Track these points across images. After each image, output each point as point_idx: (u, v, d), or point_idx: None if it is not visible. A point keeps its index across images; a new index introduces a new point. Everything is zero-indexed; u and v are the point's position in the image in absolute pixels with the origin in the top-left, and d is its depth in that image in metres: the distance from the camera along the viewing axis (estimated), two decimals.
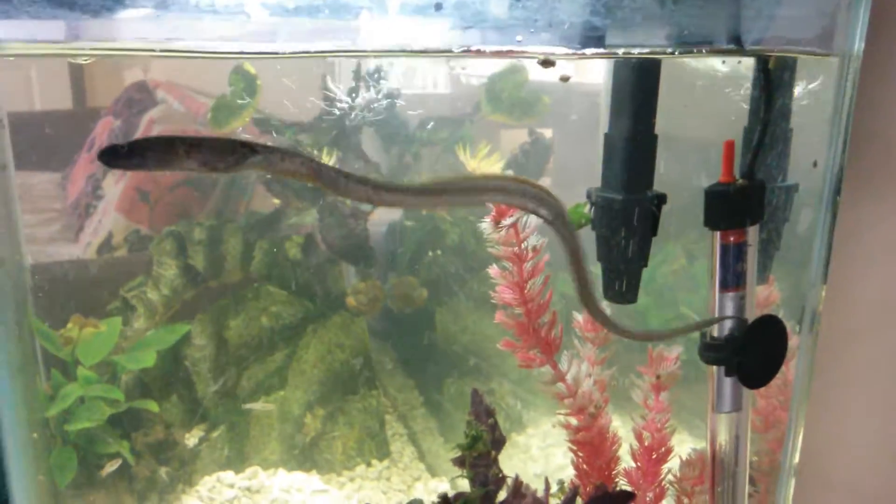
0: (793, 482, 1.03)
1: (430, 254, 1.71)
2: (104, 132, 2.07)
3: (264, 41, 0.57)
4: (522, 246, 0.84)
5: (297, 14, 0.53)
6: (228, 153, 0.49)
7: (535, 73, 1.76)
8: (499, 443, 0.88)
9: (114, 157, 0.47)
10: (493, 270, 0.86)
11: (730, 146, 0.79)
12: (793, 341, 0.97)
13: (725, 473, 0.86)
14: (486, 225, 0.85)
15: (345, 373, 1.67)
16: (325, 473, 1.55)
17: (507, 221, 0.83)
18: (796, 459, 1.01)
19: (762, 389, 1.04)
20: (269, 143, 0.52)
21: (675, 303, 1.70)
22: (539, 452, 1.56)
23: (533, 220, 0.85)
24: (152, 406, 1.47)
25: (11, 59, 0.60)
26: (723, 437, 0.85)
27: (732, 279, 0.79)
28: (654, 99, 0.80)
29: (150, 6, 0.52)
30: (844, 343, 0.97)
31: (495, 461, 0.88)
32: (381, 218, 1.67)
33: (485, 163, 1.56)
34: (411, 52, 0.61)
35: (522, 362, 0.88)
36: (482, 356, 1.73)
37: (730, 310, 0.80)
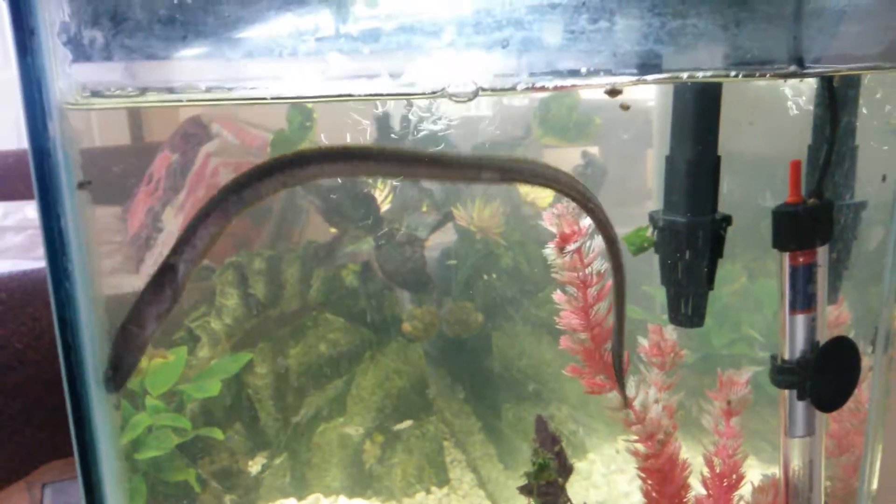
0: None
1: (485, 277, 1.72)
2: (162, 166, 2.16)
3: (336, 85, 0.59)
4: (587, 271, 0.84)
5: (371, 58, 0.55)
6: (164, 289, 0.53)
7: (586, 93, 1.76)
8: (566, 470, 0.88)
9: (111, 383, 0.53)
10: (557, 296, 0.86)
11: (796, 166, 0.78)
12: (865, 362, 0.94)
13: (800, 500, 0.84)
14: (549, 250, 0.85)
15: (402, 399, 1.68)
16: (385, 500, 1.56)
17: (571, 247, 0.83)
18: (874, 485, 0.97)
19: (835, 413, 1.01)
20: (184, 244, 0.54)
21: (739, 323, 1.67)
22: (601, 479, 1.54)
23: (597, 245, 0.85)
24: (217, 434, 1.50)
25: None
26: (796, 463, 0.83)
27: (802, 301, 0.78)
28: (715, 121, 0.80)
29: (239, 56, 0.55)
30: None
31: (563, 489, 0.87)
32: (436, 243, 1.69)
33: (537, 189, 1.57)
34: (479, 90, 0.62)
35: (589, 388, 0.87)
36: (540, 381, 1.73)
37: (801, 332, 0.78)
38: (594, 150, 1.86)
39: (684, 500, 0.88)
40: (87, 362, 0.62)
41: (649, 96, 1.70)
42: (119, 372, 0.52)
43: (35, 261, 2.17)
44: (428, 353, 1.77)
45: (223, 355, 1.68)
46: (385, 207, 1.62)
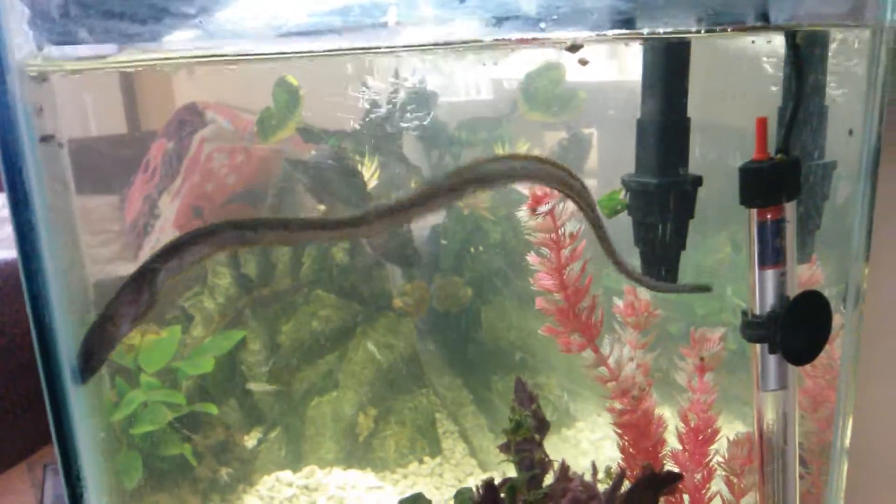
0: (845, 464, 1.01)
1: (473, 250, 1.74)
2: (158, 154, 2.17)
3: (303, 41, 0.60)
4: (560, 232, 0.86)
5: (330, 15, 0.56)
6: (142, 291, 0.54)
7: (572, 70, 1.77)
8: (542, 426, 0.90)
9: (82, 375, 0.54)
10: (531, 258, 0.88)
11: (762, 123, 0.80)
12: (837, 320, 0.96)
13: (774, 452, 0.86)
14: (522, 213, 0.87)
15: (394, 373, 1.70)
16: (379, 471, 1.59)
17: (543, 209, 0.85)
18: (847, 441, 0.99)
19: (808, 369, 1.03)
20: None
21: (723, 293, 1.68)
22: (589, 446, 1.56)
23: (570, 207, 0.87)
24: (212, 409, 1.53)
25: (70, 77, 0.65)
26: (770, 416, 0.84)
27: (771, 256, 0.79)
28: (683, 80, 0.81)
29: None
30: (891, 319, 0.95)
31: (540, 445, 0.89)
32: (427, 222, 1.70)
33: None
34: (439, 45, 0.63)
35: (564, 347, 0.89)
36: (529, 352, 1.75)
37: (770, 287, 0.80)
38: (586, 128, 1.87)
39: (660, 454, 0.90)
40: (61, 344, 0.63)
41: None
42: (88, 363, 0.53)
43: None
44: (419, 328, 1.79)
45: (217, 333, 1.71)
46: (372, 184, 1.63)
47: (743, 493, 0.89)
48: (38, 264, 0.57)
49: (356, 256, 1.68)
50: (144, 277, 0.54)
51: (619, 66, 1.26)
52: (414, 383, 1.71)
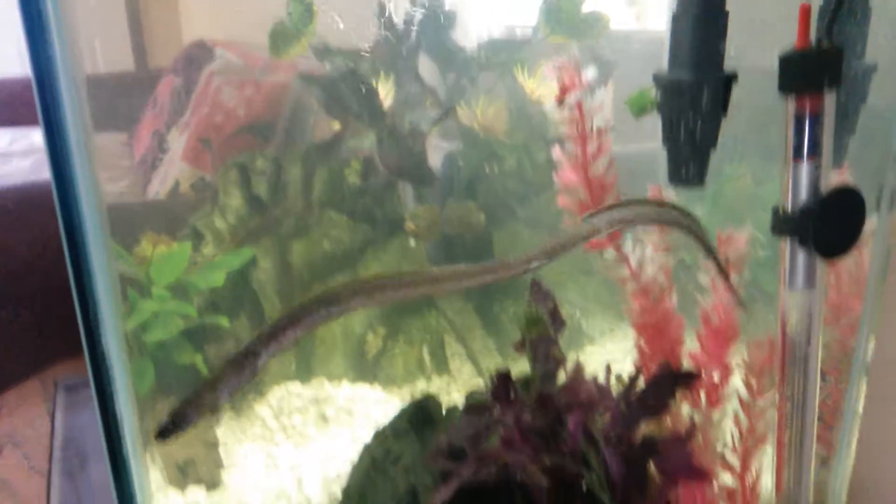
0: (864, 380, 1.00)
1: (487, 170, 1.71)
2: (166, 90, 2.14)
3: None
4: (586, 125, 0.83)
5: None
6: (242, 368, 0.56)
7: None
8: (558, 324, 0.89)
9: (166, 433, 0.55)
10: (555, 152, 0.86)
11: (805, 10, 0.76)
12: (869, 226, 0.94)
13: (797, 354, 0.85)
14: (550, 104, 0.84)
15: None
16: (386, 387, 1.59)
17: (571, 99, 0.82)
18: (870, 353, 0.98)
19: (834, 281, 1.01)
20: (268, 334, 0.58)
21: (742, 222, 1.66)
22: (600, 368, 1.56)
23: (599, 100, 0.84)
24: (223, 321, 1.53)
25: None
26: (795, 316, 0.83)
27: (809, 147, 0.76)
28: None
29: None
30: None
31: (556, 342, 0.88)
32: (440, 138, 1.67)
33: (542, 84, 1.54)
34: None
35: (588, 245, 0.87)
36: (540, 276, 1.74)
37: (804, 179, 0.78)
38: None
39: (678, 355, 0.89)
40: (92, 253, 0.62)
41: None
42: (176, 426, 0.55)
43: None
44: (430, 253, 1.78)
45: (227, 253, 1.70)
46: (387, 102, 1.60)
47: (761, 394, 0.88)
48: (72, 190, 0.57)
49: (369, 176, 1.66)
50: (247, 358, 0.57)
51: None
52: (423, 305, 1.70)
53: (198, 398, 0.55)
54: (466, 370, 1.64)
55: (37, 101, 0.56)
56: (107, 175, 2.06)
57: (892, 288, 0.98)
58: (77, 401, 1.96)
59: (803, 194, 0.79)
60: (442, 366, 1.63)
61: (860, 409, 1.00)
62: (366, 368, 1.63)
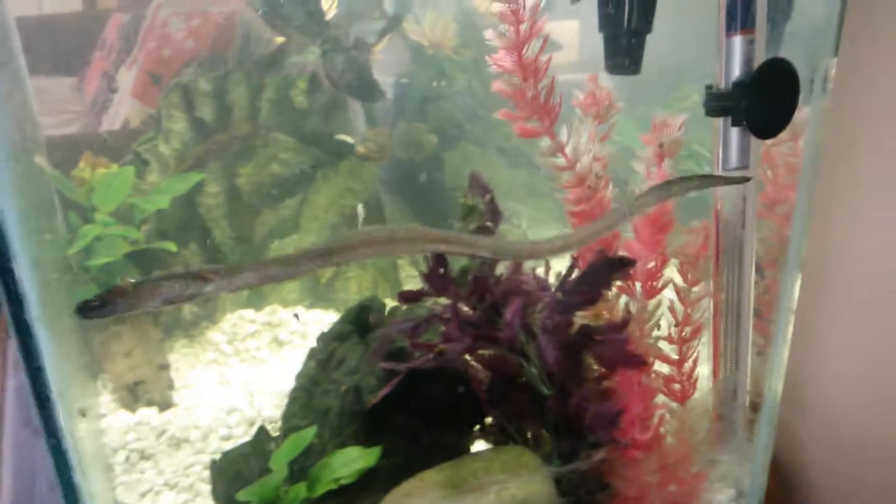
0: (799, 276, 1.01)
1: (435, 85, 1.68)
2: (114, 29, 2.05)
3: None
4: (518, 2, 0.81)
5: None
6: (187, 286, 0.54)
7: None
8: (496, 216, 0.88)
9: (88, 310, 0.51)
10: (488, 33, 0.83)
11: None
12: (801, 113, 0.94)
13: (731, 237, 0.85)
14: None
15: (356, 217, 1.68)
16: (341, 310, 1.59)
17: None
18: (803, 251, 0.99)
19: (768, 173, 1.02)
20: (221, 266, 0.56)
21: (689, 141, 1.66)
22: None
23: None
24: (171, 246, 1.50)
25: None
26: (729, 196, 0.83)
27: (741, 19, 0.75)
28: None
29: None
30: (854, 113, 0.92)
31: (493, 233, 0.88)
32: (384, 52, 1.62)
33: None
34: None
35: (521, 133, 0.86)
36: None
37: (737, 54, 0.77)
38: None
39: (613, 245, 0.89)
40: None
41: None
42: (100, 307, 0.52)
43: None
44: (381, 177, 1.76)
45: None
46: (332, 13, 1.54)
47: (696, 282, 0.89)
48: None
49: (315, 92, 1.61)
50: (195, 278, 0.55)
51: None
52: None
53: (133, 291, 0.53)
54: None
55: None
56: (56, 120, 1.99)
57: (825, 178, 0.98)
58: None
59: (736, 69, 0.78)
60: (396, 288, 1.63)
61: (794, 304, 1.01)
62: (320, 293, 1.62)
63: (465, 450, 0.93)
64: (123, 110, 1.95)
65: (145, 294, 0.53)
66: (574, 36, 1.78)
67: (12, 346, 1.78)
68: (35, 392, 0.56)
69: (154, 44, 1.94)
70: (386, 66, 1.68)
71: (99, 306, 0.52)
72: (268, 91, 1.67)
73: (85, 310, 0.52)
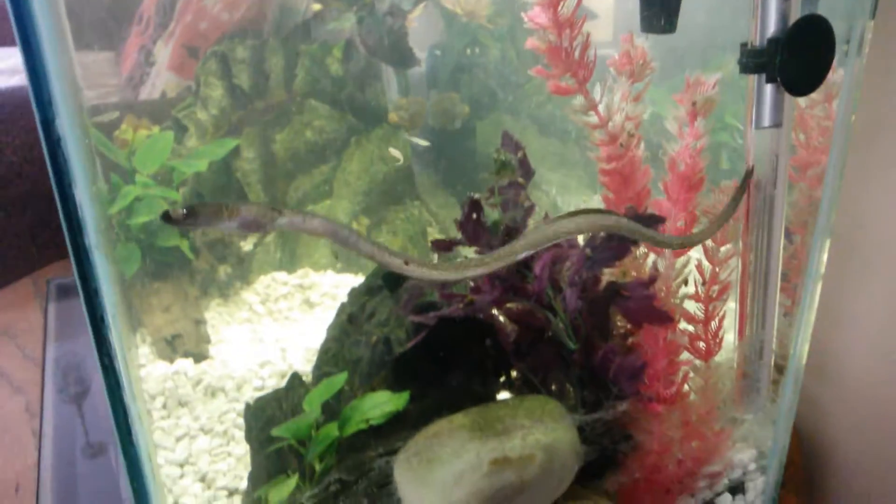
0: (828, 240, 1.01)
1: (469, 52, 1.69)
2: (151, 4, 2.08)
3: None
4: None
5: None
6: (264, 215, 0.59)
7: None
8: (528, 173, 0.90)
9: (174, 219, 0.55)
10: None
11: None
12: (836, 74, 0.94)
13: (763, 195, 0.85)
14: None
15: (388, 184, 1.70)
16: None
17: None
18: (834, 215, 0.98)
19: (801, 138, 1.01)
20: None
21: (722, 112, 1.65)
22: None
23: None
24: None
25: None
26: (761, 155, 0.84)
27: None
28: None
29: None
30: (890, 78, 0.92)
31: (524, 189, 0.89)
32: (419, 20, 1.63)
33: None
34: None
35: (554, 90, 0.87)
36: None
37: (773, 10, 0.77)
38: None
39: (643, 204, 0.90)
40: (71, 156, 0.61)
41: None
42: (186, 218, 0.56)
43: None
44: (414, 146, 1.78)
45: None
46: None
47: (725, 241, 0.90)
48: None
49: (350, 59, 1.63)
50: (264, 216, 0.60)
51: None
52: (406, 195, 1.71)
53: (217, 209, 0.57)
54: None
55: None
56: (96, 93, 2.04)
57: (858, 144, 0.98)
58: (68, 297, 1.99)
59: (771, 25, 0.78)
60: (425, 256, 1.65)
61: (822, 268, 1.02)
62: (350, 258, 1.65)
63: (492, 399, 0.95)
64: (160, 83, 1.99)
65: (226, 214, 0.57)
66: (609, 13, 1.78)
67: (51, 316, 1.83)
68: (90, 314, 0.60)
69: (190, 17, 1.97)
70: (420, 35, 1.70)
71: (185, 216, 0.56)
72: (303, 58, 1.70)
73: (171, 218, 0.56)
